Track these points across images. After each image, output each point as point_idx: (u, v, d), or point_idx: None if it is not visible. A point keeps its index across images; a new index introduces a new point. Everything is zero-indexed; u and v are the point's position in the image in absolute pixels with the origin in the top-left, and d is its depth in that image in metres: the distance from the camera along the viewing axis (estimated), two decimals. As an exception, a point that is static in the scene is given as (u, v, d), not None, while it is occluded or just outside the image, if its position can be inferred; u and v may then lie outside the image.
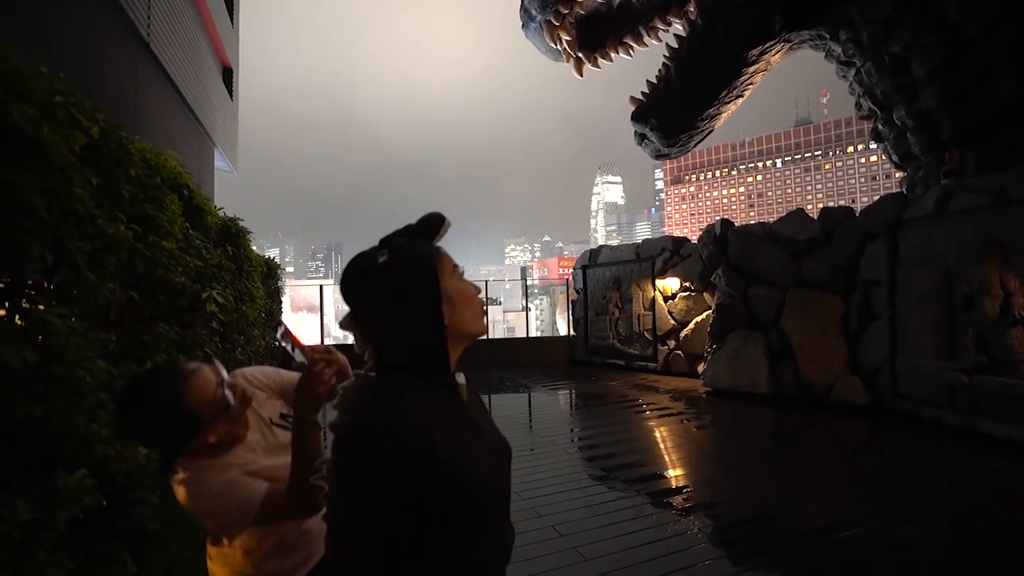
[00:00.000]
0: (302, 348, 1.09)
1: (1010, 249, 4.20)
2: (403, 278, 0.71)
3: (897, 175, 6.46)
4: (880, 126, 6.05)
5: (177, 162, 2.46)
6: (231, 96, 11.39)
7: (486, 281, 11.18)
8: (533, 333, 12.22)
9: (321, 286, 11.37)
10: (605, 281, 9.06)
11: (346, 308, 0.77)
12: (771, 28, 5.68)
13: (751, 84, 6.29)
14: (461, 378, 0.77)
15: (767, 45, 5.82)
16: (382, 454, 0.60)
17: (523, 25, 7.65)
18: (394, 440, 0.60)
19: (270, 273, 6.16)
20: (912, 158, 5.86)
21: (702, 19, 5.86)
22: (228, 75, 11.27)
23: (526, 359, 9.93)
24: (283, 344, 1.20)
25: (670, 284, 7.73)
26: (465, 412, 0.74)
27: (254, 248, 4.74)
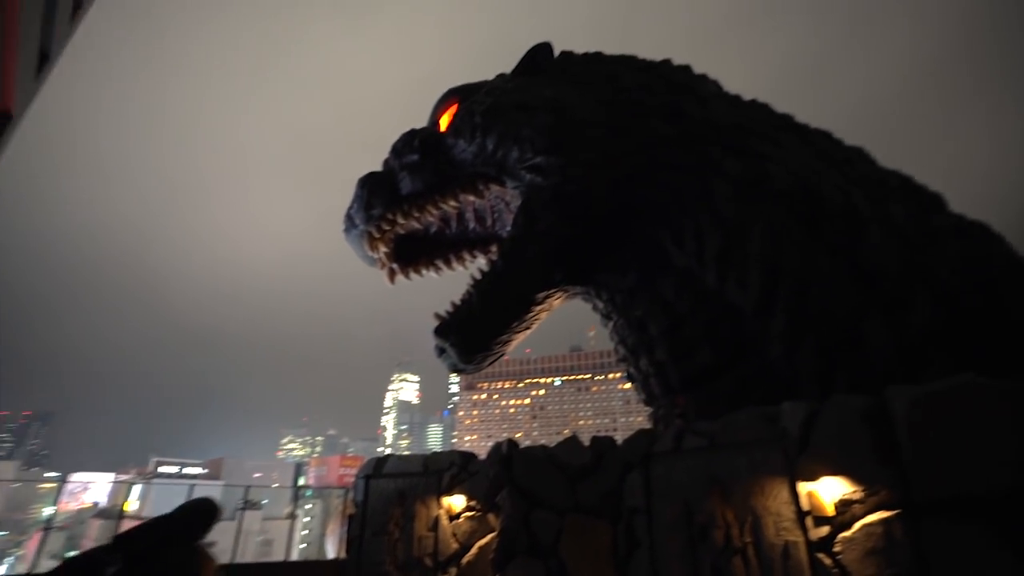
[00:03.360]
0: None
1: (725, 486, 5.11)
2: None
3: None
4: (631, 369, 7.44)
5: None
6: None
7: (247, 487, 9.32)
8: (297, 550, 10.15)
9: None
10: (388, 495, 8.29)
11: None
12: (553, 280, 6.99)
13: (537, 319, 7.37)
14: None
15: (550, 292, 7.06)
16: None
17: (345, 229, 8.10)
18: None
19: None
20: (655, 398, 7.17)
21: (501, 261, 6.96)
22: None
23: (278, 593, 7.98)
24: None
25: (456, 502, 7.41)
26: None
27: None
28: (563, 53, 8.21)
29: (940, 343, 5.08)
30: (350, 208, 7.93)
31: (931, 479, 3.97)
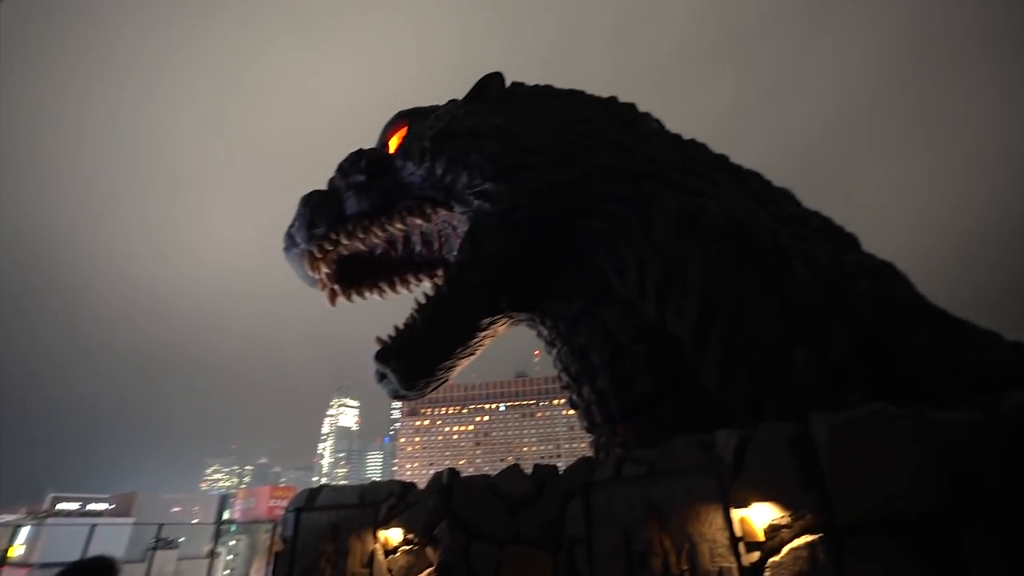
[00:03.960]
0: None
1: (662, 514, 5.18)
2: None
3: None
4: (574, 397, 7.48)
5: None
6: None
7: (160, 524, 8.55)
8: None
9: None
10: (321, 529, 7.82)
11: None
12: (499, 306, 6.98)
13: (481, 345, 7.31)
14: None
15: (495, 318, 7.04)
16: None
17: (285, 248, 7.80)
18: None
19: None
20: (597, 426, 7.23)
21: (447, 286, 6.89)
22: None
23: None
24: None
25: (393, 535, 7.09)
26: None
27: None
28: (514, 83, 8.41)
29: (857, 373, 5.45)
30: (291, 226, 7.67)
31: (850, 502, 4.18)
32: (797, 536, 4.27)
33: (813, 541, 4.19)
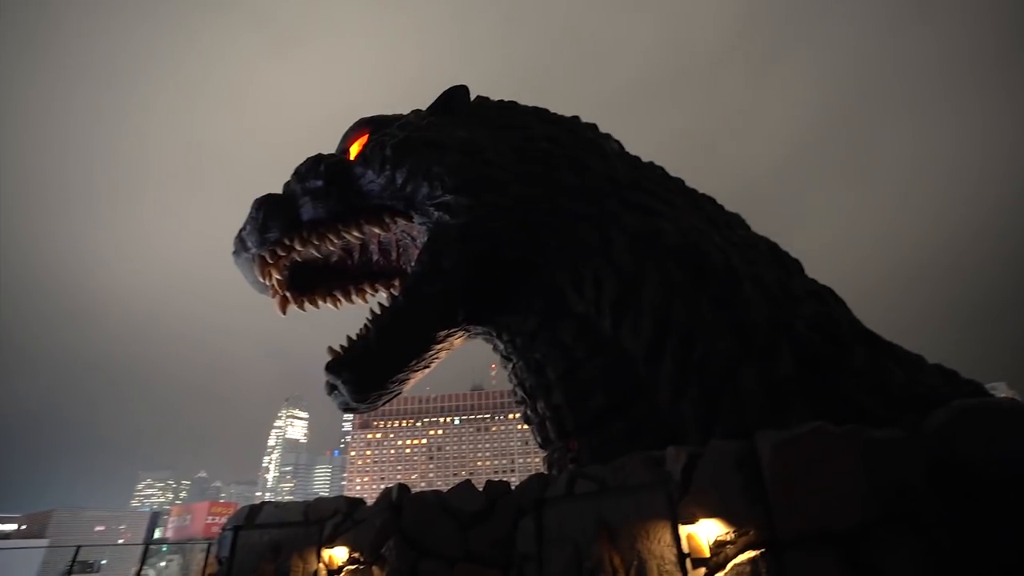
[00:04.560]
0: None
1: (613, 529, 5.19)
2: None
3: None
4: (528, 412, 7.46)
5: None
6: None
7: (78, 546, 7.92)
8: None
9: None
10: (260, 549, 7.41)
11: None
12: (455, 319, 6.91)
13: (437, 358, 7.20)
14: None
15: (452, 330, 6.97)
16: None
17: (235, 252, 7.50)
18: None
19: None
20: (551, 442, 7.22)
21: (403, 297, 6.77)
22: None
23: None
24: None
25: (338, 554, 6.80)
26: None
27: None
28: (479, 97, 8.45)
29: (799, 390, 5.68)
30: (242, 230, 7.38)
31: (791, 517, 4.32)
32: (741, 552, 4.36)
33: (755, 557, 4.29)
